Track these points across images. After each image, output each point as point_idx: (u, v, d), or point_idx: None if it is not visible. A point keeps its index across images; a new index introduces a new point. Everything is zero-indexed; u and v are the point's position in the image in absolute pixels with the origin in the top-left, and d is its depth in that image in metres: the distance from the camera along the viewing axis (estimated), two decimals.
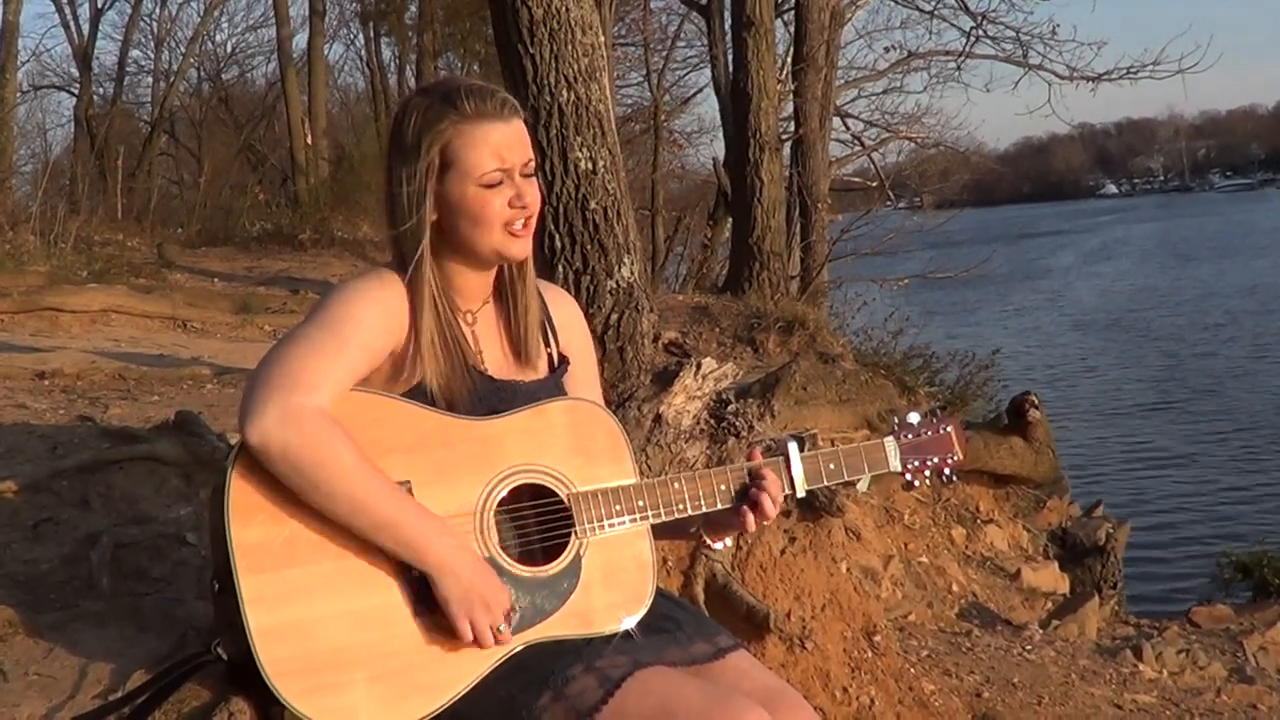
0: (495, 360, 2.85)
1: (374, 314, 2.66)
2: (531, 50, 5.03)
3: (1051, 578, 8.38)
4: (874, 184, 21.94)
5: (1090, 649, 6.52)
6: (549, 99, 5.05)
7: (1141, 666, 6.26)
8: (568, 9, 5.04)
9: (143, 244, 17.26)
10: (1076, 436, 21.58)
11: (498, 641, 2.60)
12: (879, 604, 5.52)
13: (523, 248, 2.78)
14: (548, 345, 2.95)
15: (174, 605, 3.48)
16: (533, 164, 2.78)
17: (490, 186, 2.70)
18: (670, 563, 4.42)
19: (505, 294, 2.88)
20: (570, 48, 5.05)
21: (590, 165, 5.08)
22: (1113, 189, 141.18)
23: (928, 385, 10.43)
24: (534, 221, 2.79)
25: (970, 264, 21.05)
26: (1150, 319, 37.95)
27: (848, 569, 4.80)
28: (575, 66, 5.06)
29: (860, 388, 8.06)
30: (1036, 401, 8.71)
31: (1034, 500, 9.69)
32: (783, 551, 4.61)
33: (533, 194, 2.76)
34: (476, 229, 2.72)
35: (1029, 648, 6.23)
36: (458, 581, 2.57)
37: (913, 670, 4.83)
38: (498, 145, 2.71)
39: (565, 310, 3.05)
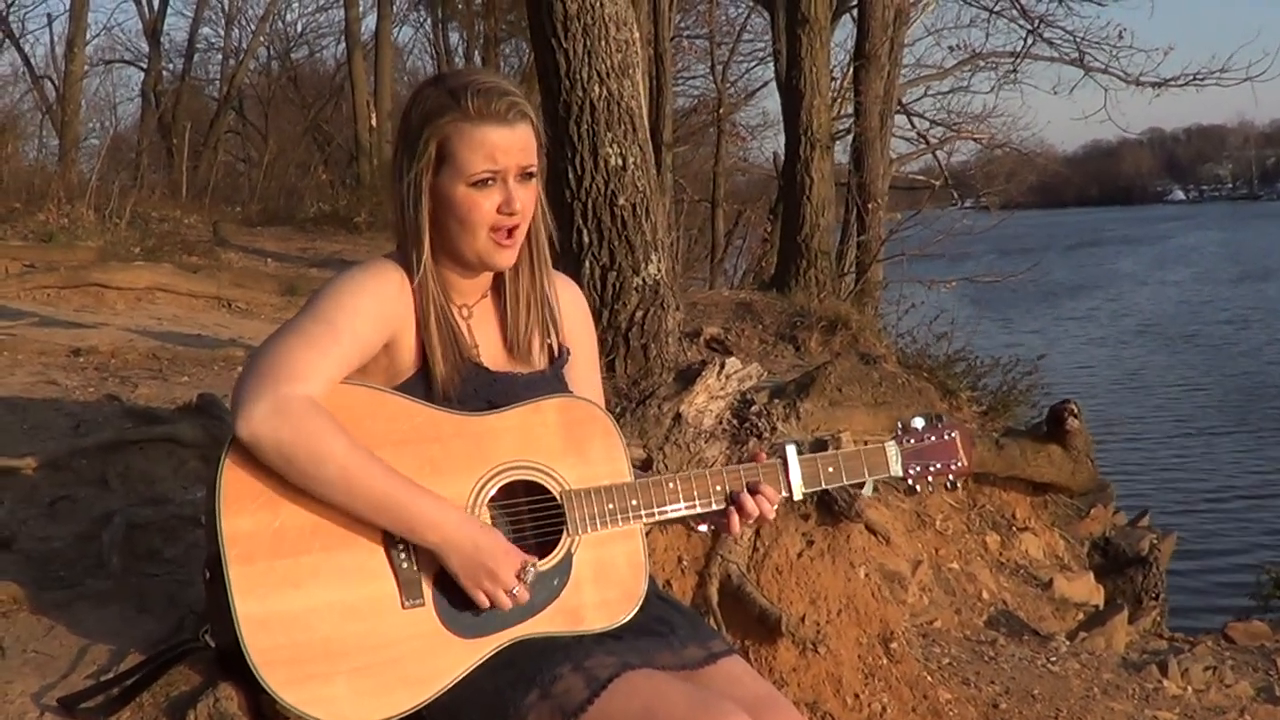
0: (492, 354, 2.84)
1: (369, 305, 2.66)
2: (565, 45, 5.03)
3: (1086, 588, 8.27)
4: (938, 183, 21.87)
5: (1116, 663, 6.43)
6: (581, 94, 5.05)
7: (1166, 683, 6.17)
8: (601, 5, 5.04)
9: (200, 221, 17.35)
10: (1134, 447, 21.38)
11: (515, 602, 2.63)
12: (899, 610, 5.49)
13: (508, 258, 2.76)
14: (548, 336, 2.94)
15: (180, 588, 3.50)
16: (533, 169, 2.74)
17: (479, 186, 2.68)
18: (685, 562, 4.42)
19: (507, 290, 2.87)
20: (604, 43, 5.05)
21: (620, 161, 5.08)
22: (1180, 195, 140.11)
23: (970, 389, 10.33)
24: (524, 230, 2.77)
25: (1035, 269, 20.76)
26: (1218, 333, 37.16)
27: (866, 574, 4.76)
28: (608, 62, 5.06)
29: (898, 390, 7.97)
30: (1076, 410, 8.57)
31: (1075, 509, 9.58)
32: (800, 555, 4.58)
33: (526, 200, 2.73)
34: (463, 230, 2.70)
35: (1053, 659, 6.15)
36: (461, 554, 2.59)
37: (930, 678, 4.79)
38: (493, 148, 2.67)
39: (566, 297, 3.03)
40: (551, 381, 2.89)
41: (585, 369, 3.04)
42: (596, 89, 5.05)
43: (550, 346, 2.94)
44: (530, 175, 2.75)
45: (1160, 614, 9.01)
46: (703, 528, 3.07)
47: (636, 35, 5.25)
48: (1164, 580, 9.47)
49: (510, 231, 2.73)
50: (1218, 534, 16.84)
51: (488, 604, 2.62)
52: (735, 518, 2.91)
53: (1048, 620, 7.51)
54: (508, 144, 2.69)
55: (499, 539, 2.64)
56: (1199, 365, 31.61)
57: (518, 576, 2.63)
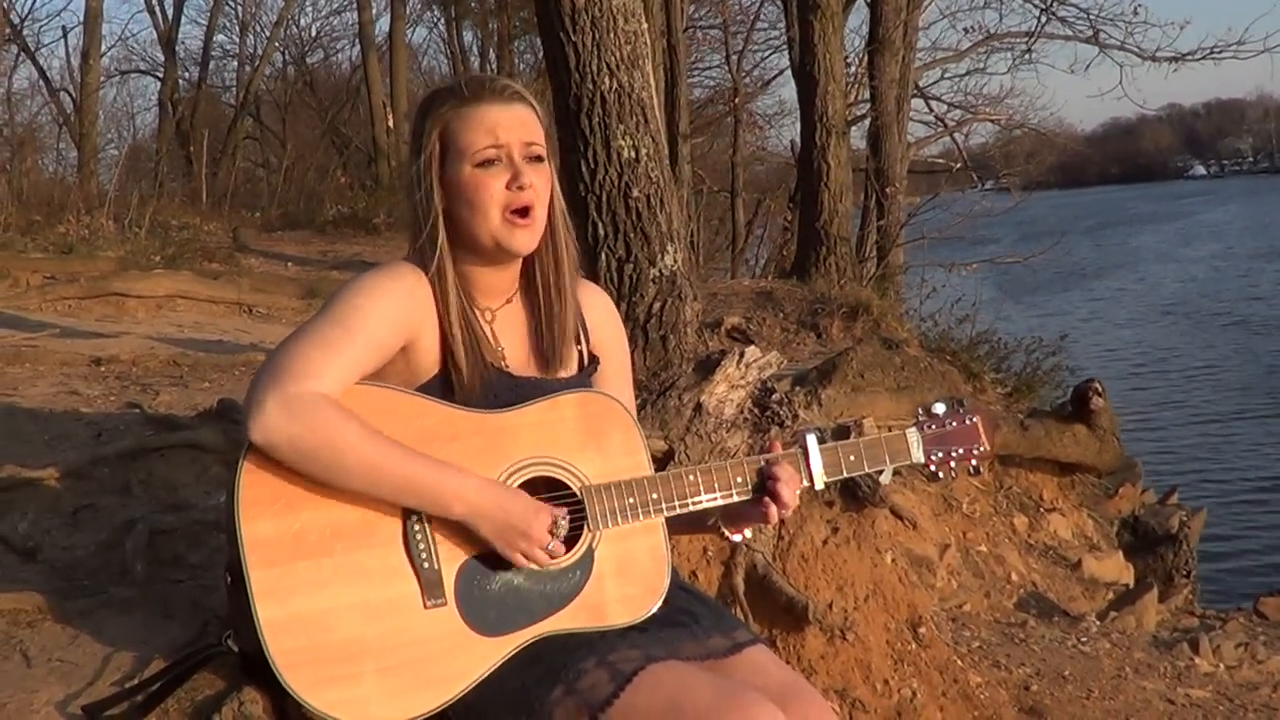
0: (518, 358, 2.82)
1: (384, 307, 2.64)
2: (574, 38, 5.03)
3: (1115, 568, 8.25)
4: (957, 165, 21.87)
5: (1147, 641, 6.41)
6: (591, 87, 5.05)
7: (1197, 660, 6.14)
8: None
9: (220, 228, 17.40)
10: (1162, 427, 21.29)
11: (552, 556, 2.64)
12: (927, 594, 5.48)
13: (526, 239, 2.73)
14: (578, 343, 2.91)
15: (204, 593, 3.50)
16: (539, 150, 2.73)
17: (484, 166, 2.68)
18: (710, 552, 4.40)
19: (536, 294, 2.86)
20: (612, 35, 5.04)
21: (633, 153, 5.07)
22: (1201, 170, 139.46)
23: (994, 372, 10.30)
24: (540, 212, 2.74)
25: (1058, 250, 20.65)
26: (1246, 311, 36.71)
27: (893, 559, 4.74)
28: (617, 54, 5.05)
29: (920, 375, 7.91)
30: (1100, 389, 8.52)
31: (1103, 489, 9.54)
32: (825, 542, 4.56)
33: (537, 179, 2.71)
34: (474, 214, 2.69)
35: (1084, 639, 6.13)
36: (491, 520, 2.59)
37: (960, 662, 4.77)
38: (492, 124, 2.69)
39: (599, 308, 3.01)
40: (576, 388, 2.86)
41: (616, 378, 3.02)
42: (607, 81, 5.04)
43: (580, 354, 2.92)
44: (539, 159, 2.74)
45: (1191, 591, 8.98)
46: (737, 537, 3.02)
47: (645, 26, 5.24)
48: (1194, 557, 9.43)
49: (525, 211, 2.71)
50: (1248, 511, 16.76)
51: (525, 564, 2.62)
52: (772, 508, 2.87)
53: (1078, 600, 7.49)
54: (508, 120, 2.70)
55: (524, 498, 2.63)
56: (1225, 345, 31.36)
57: (550, 532, 2.62)
